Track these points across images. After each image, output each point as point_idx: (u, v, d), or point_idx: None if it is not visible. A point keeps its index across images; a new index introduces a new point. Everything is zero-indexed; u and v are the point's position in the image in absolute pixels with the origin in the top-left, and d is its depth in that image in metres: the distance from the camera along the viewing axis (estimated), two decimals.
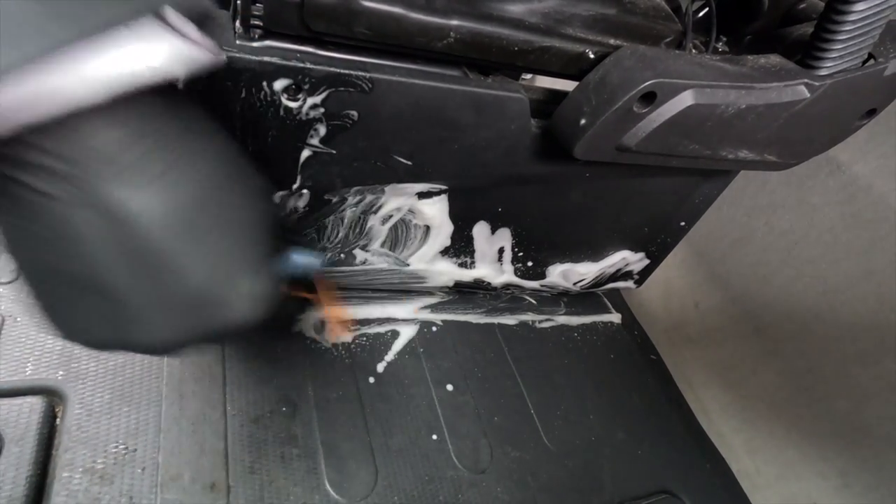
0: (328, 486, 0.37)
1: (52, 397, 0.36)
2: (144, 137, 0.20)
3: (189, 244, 0.21)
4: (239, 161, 0.24)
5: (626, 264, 0.56)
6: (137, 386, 0.37)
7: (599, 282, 0.58)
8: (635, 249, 0.54)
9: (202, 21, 0.21)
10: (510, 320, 0.56)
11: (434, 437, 0.43)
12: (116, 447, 0.34)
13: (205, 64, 0.21)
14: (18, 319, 0.38)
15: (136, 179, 0.20)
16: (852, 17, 0.32)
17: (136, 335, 0.23)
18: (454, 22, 0.31)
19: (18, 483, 0.31)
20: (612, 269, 0.55)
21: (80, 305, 0.22)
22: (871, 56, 0.35)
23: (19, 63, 0.17)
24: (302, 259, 0.26)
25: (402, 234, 0.45)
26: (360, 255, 0.46)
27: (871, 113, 0.39)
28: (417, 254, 0.48)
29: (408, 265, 0.49)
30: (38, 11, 0.17)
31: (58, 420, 0.35)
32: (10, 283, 0.40)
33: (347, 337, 0.34)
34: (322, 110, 0.33)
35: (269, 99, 0.31)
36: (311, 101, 0.32)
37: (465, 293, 0.55)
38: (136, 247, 0.21)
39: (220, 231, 0.22)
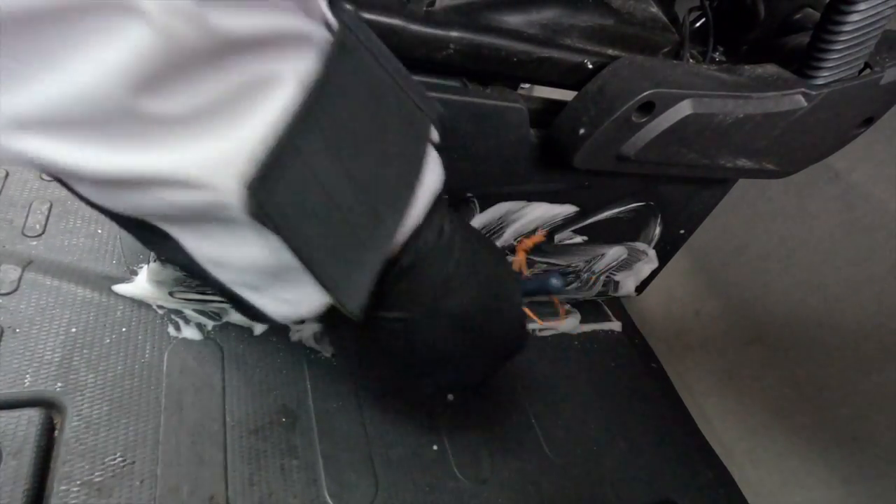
0: (328, 498, 0.37)
1: (51, 409, 0.35)
2: (451, 248, 0.27)
3: (493, 313, 0.29)
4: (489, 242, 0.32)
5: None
6: (136, 397, 0.37)
7: (601, 291, 0.58)
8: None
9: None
10: None
11: (434, 447, 0.43)
12: (115, 459, 0.34)
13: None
14: (17, 331, 0.38)
15: (452, 285, 0.27)
16: (848, 27, 0.32)
17: (468, 379, 0.34)
18: (454, 34, 0.32)
19: (16, 496, 0.30)
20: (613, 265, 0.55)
21: (436, 372, 0.32)
22: (867, 65, 0.35)
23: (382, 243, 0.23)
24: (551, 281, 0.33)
25: None
26: None
27: (869, 121, 0.39)
28: None
29: None
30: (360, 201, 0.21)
31: (56, 432, 0.35)
32: (9, 294, 0.40)
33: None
34: None
35: None
36: None
37: None
38: (462, 328, 0.28)
39: (508, 293, 0.31)
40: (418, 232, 0.25)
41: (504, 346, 0.32)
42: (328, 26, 0.21)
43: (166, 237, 0.21)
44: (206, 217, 0.19)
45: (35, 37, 0.14)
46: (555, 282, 0.32)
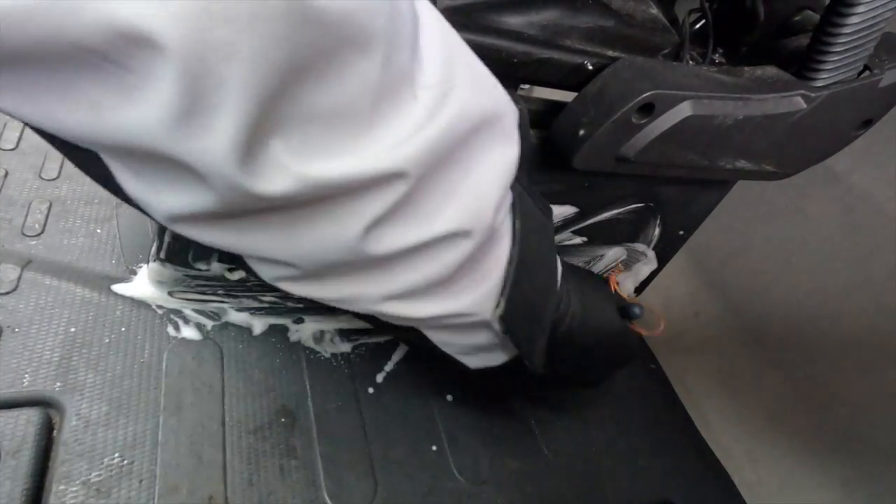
0: (327, 498, 0.37)
1: (50, 409, 0.35)
2: (570, 302, 0.37)
3: (604, 339, 0.39)
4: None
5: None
6: (135, 397, 0.37)
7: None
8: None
9: None
10: None
11: (434, 448, 0.43)
12: (113, 459, 0.34)
13: None
14: (17, 330, 0.38)
15: (572, 327, 0.37)
16: (848, 30, 0.32)
17: (605, 376, 0.44)
18: None
19: (14, 496, 0.30)
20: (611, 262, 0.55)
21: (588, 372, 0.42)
22: (866, 67, 0.36)
23: None
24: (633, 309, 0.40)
25: None
26: None
27: (868, 123, 0.39)
28: None
29: None
30: None
31: (55, 432, 0.35)
32: (8, 293, 0.40)
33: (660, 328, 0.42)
34: None
35: None
36: None
37: None
38: (581, 353, 0.39)
39: (614, 322, 0.40)
40: (557, 303, 0.35)
41: (617, 358, 0.42)
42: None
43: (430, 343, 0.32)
44: (462, 327, 0.30)
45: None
46: (636, 311, 0.39)
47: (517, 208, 0.29)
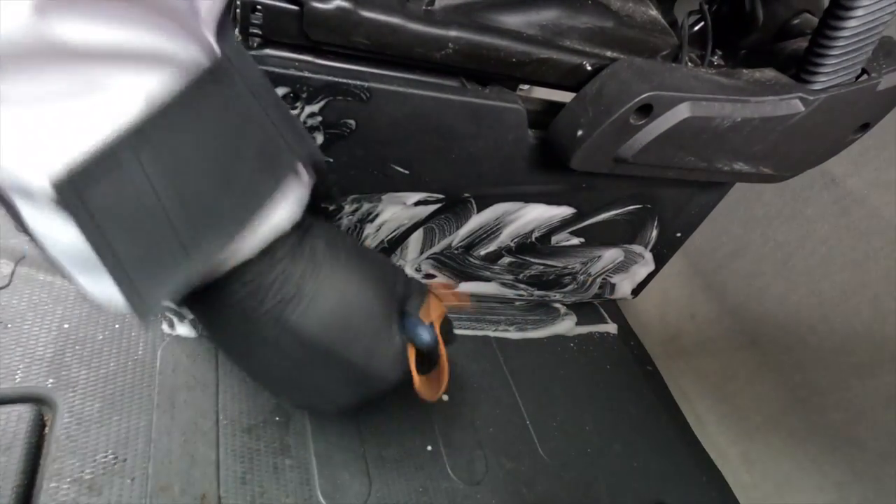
0: (321, 498, 0.37)
1: (42, 405, 0.35)
2: (293, 261, 0.27)
3: (347, 343, 0.29)
4: (372, 257, 0.32)
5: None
6: (129, 395, 0.37)
7: (597, 293, 0.58)
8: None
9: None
10: (506, 330, 0.55)
11: (429, 447, 0.43)
12: (106, 457, 0.34)
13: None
14: (9, 326, 0.38)
15: (288, 314, 0.27)
16: (846, 33, 0.32)
17: (322, 404, 0.33)
18: (453, 33, 0.32)
19: (4, 493, 0.30)
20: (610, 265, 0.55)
21: (289, 383, 0.32)
22: (864, 71, 0.36)
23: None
24: (418, 331, 0.31)
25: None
26: None
27: (865, 127, 0.39)
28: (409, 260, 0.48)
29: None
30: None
31: (46, 429, 0.34)
32: (1, 288, 0.40)
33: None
34: (320, 119, 0.33)
35: None
36: (308, 109, 0.32)
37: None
38: (310, 346, 0.28)
39: (369, 316, 0.30)
40: (251, 264, 0.26)
41: (362, 378, 0.31)
42: (213, 55, 0.22)
43: (10, 205, 0.22)
44: (28, 196, 0.20)
45: None
46: (424, 335, 0.30)
47: (196, 82, 0.21)
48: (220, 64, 0.22)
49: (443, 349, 0.32)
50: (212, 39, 0.23)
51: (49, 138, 0.19)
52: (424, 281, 0.43)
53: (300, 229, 0.27)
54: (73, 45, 0.18)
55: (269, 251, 0.26)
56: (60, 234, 0.21)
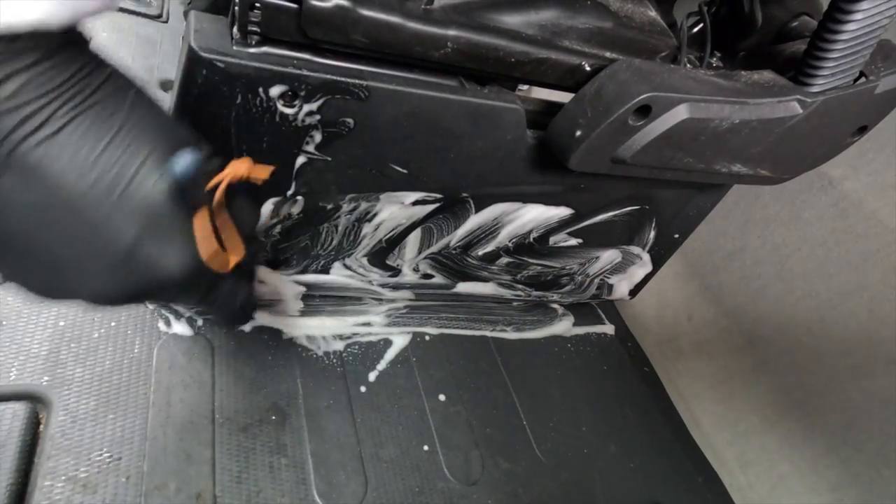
0: (317, 497, 0.37)
1: (36, 403, 0.35)
2: (41, 86, 0.20)
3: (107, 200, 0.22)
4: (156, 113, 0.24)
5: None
6: (124, 393, 0.37)
7: (595, 294, 0.58)
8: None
9: None
10: (503, 330, 0.55)
11: (425, 447, 0.43)
12: (101, 455, 0.34)
13: (93, 12, 0.21)
14: (4, 323, 0.38)
15: (41, 131, 0.20)
16: (844, 36, 0.32)
17: (72, 287, 0.24)
18: (451, 32, 0.32)
19: None
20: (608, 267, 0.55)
21: (21, 259, 0.23)
22: (862, 74, 0.36)
23: None
24: (185, 160, 0.23)
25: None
26: (351, 263, 0.46)
27: (863, 130, 0.39)
28: (408, 259, 0.48)
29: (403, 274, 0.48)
30: None
31: (41, 427, 0.34)
32: None
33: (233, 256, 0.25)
34: (318, 117, 0.33)
35: (265, 105, 0.31)
36: (307, 107, 0.32)
37: (459, 302, 0.55)
38: (55, 202, 0.21)
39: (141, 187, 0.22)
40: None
41: (124, 256, 0.23)
42: None
43: None
44: None
45: None
46: (181, 162, 0.22)
47: None
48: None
49: (220, 197, 0.23)
50: None
51: None
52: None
53: (57, 37, 0.21)
54: None
55: (18, 51, 0.20)
56: None
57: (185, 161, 0.22)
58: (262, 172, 0.25)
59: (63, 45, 0.21)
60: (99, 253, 0.23)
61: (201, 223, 0.23)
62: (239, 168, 0.24)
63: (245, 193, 0.27)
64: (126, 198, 0.22)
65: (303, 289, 0.47)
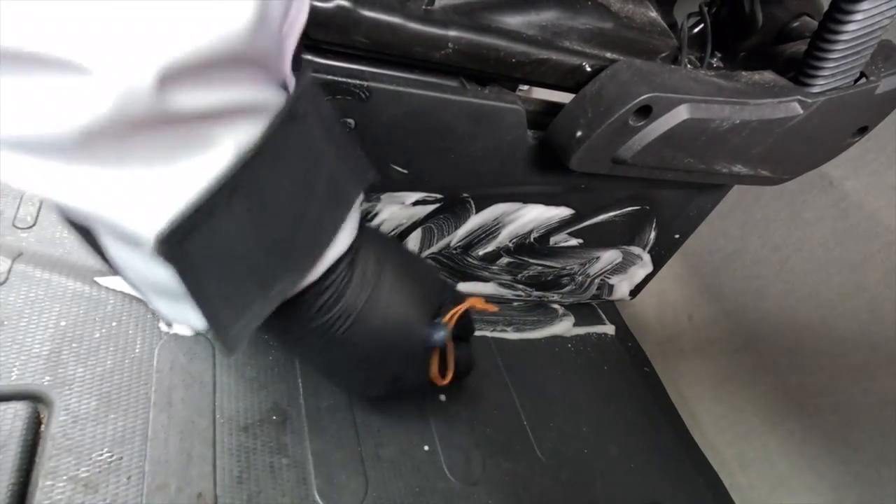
0: (317, 497, 0.37)
1: (38, 403, 0.35)
2: (349, 297, 0.30)
3: (388, 348, 0.33)
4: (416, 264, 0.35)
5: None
6: (125, 393, 0.37)
7: (595, 294, 0.58)
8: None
9: None
10: (503, 330, 0.55)
11: (426, 447, 0.43)
12: (102, 455, 0.34)
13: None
14: (6, 323, 0.38)
15: (339, 327, 0.30)
16: (845, 37, 0.32)
17: (357, 392, 0.41)
18: (452, 33, 0.32)
19: None
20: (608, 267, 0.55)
21: (331, 377, 0.38)
22: (862, 74, 0.36)
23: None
24: (440, 334, 0.33)
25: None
26: None
27: (863, 130, 0.39)
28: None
29: None
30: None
31: (42, 426, 0.34)
32: None
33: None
34: None
35: None
36: None
37: None
38: (351, 356, 0.32)
39: (406, 333, 0.33)
40: (312, 287, 0.28)
41: (393, 380, 0.35)
42: (292, 95, 0.23)
43: (95, 240, 0.24)
44: (126, 239, 0.22)
45: (17, 73, 0.16)
46: (437, 335, 0.33)
47: (277, 126, 0.22)
48: (297, 102, 0.23)
49: (450, 345, 0.34)
50: (290, 78, 0.23)
51: (154, 194, 0.20)
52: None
53: (352, 250, 0.29)
54: (184, 111, 0.19)
55: (325, 275, 0.28)
56: (150, 271, 0.23)
57: (440, 334, 0.33)
58: (491, 307, 0.36)
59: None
60: (386, 383, 0.35)
61: (435, 359, 0.34)
62: (474, 303, 0.35)
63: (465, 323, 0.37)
64: (413, 356, 0.33)
65: None
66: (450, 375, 0.35)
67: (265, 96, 0.22)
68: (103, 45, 0.16)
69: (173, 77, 0.17)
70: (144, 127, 0.18)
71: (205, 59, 0.18)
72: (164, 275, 0.22)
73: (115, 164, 0.19)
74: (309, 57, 0.31)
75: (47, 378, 0.36)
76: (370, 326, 0.30)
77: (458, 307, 0.34)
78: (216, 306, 0.23)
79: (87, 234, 0.24)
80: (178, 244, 0.20)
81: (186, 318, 0.25)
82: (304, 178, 0.24)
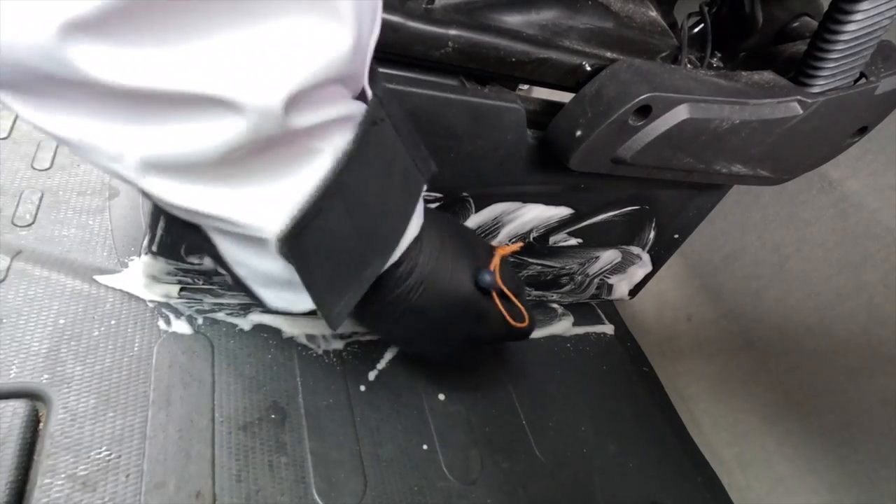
0: (316, 496, 0.37)
1: (36, 401, 0.35)
2: (420, 273, 0.33)
3: (447, 309, 0.36)
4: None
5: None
6: (124, 391, 0.37)
7: (594, 293, 0.58)
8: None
9: None
10: None
11: (425, 447, 0.43)
12: (100, 453, 0.34)
13: None
14: (4, 321, 0.38)
15: (413, 297, 0.34)
16: (845, 37, 0.32)
17: (440, 354, 0.44)
18: (452, 32, 0.32)
19: None
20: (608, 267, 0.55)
21: (414, 342, 0.41)
22: (862, 75, 0.36)
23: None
24: (482, 276, 0.36)
25: None
26: None
27: (863, 130, 0.39)
28: None
29: None
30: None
31: (41, 424, 0.34)
32: None
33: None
34: None
35: None
36: None
37: None
38: (428, 319, 0.35)
39: (463, 297, 0.36)
40: (394, 267, 0.32)
41: (470, 334, 0.38)
42: (365, 98, 0.26)
43: (208, 239, 0.28)
44: (245, 238, 0.26)
45: (161, 107, 0.20)
46: (486, 277, 0.36)
47: (363, 132, 0.25)
48: (377, 109, 0.26)
49: (502, 285, 0.36)
50: (367, 85, 0.26)
51: (274, 200, 0.24)
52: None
53: (421, 230, 0.33)
54: (300, 128, 0.22)
55: (403, 254, 0.31)
56: (262, 265, 0.28)
57: (488, 278, 0.36)
58: (515, 248, 0.39)
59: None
60: (467, 339, 0.38)
61: (499, 308, 0.37)
62: (505, 251, 0.38)
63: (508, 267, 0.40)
64: (479, 308, 0.37)
65: None
66: (526, 317, 0.37)
67: (352, 107, 0.25)
68: (246, 81, 0.19)
69: (294, 100, 0.20)
70: (270, 144, 0.22)
71: (316, 82, 0.21)
72: (275, 267, 0.27)
73: (245, 176, 0.23)
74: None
75: (46, 376, 0.36)
76: (438, 289, 0.34)
77: (496, 256, 0.38)
78: (323, 291, 0.28)
79: (199, 238, 0.28)
80: (294, 241, 0.25)
81: (290, 304, 0.30)
82: (385, 174, 0.28)
